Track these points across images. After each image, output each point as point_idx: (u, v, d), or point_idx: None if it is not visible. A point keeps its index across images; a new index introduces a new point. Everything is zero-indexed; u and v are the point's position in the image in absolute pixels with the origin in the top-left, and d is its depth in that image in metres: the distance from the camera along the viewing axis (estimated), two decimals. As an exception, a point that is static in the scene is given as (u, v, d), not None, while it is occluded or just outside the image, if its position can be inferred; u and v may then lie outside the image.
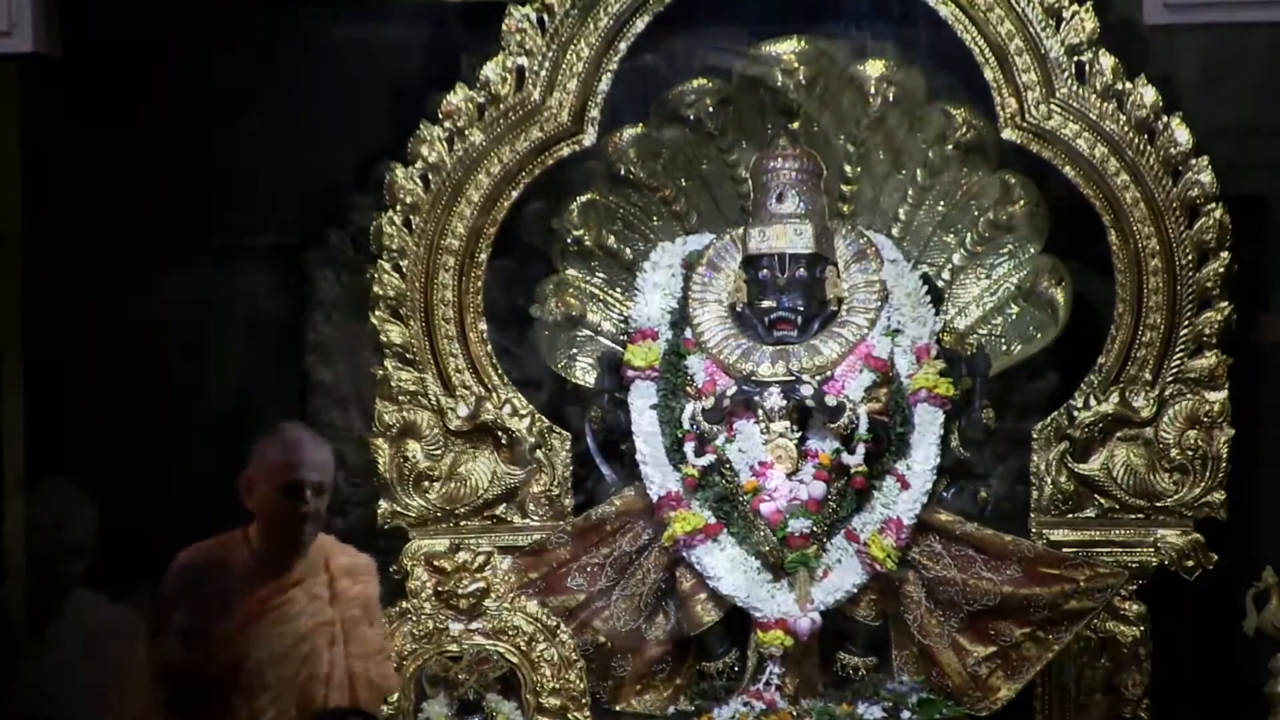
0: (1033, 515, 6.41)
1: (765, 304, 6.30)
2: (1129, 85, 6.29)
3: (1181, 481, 6.36)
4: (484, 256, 6.47)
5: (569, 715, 6.04)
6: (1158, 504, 6.38)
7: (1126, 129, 6.28)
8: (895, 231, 6.58)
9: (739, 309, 6.35)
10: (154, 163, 6.70)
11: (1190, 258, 6.30)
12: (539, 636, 6.05)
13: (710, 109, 6.58)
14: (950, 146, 6.53)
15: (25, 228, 6.46)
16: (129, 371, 6.65)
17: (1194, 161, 6.28)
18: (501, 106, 6.40)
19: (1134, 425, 6.38)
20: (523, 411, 6.47)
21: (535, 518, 6.47)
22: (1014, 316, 6.54)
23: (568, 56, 6.40)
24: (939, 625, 6.23)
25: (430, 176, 6.42)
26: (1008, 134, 6.35)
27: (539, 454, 6.45)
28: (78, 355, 6.63)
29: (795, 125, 6.56)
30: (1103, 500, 6.40)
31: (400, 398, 6.47)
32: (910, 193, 6.61)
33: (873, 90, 6.53)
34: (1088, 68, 6.29)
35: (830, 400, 6.18)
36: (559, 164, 6.48)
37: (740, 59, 6.58)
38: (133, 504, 6.34)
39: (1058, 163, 6.34)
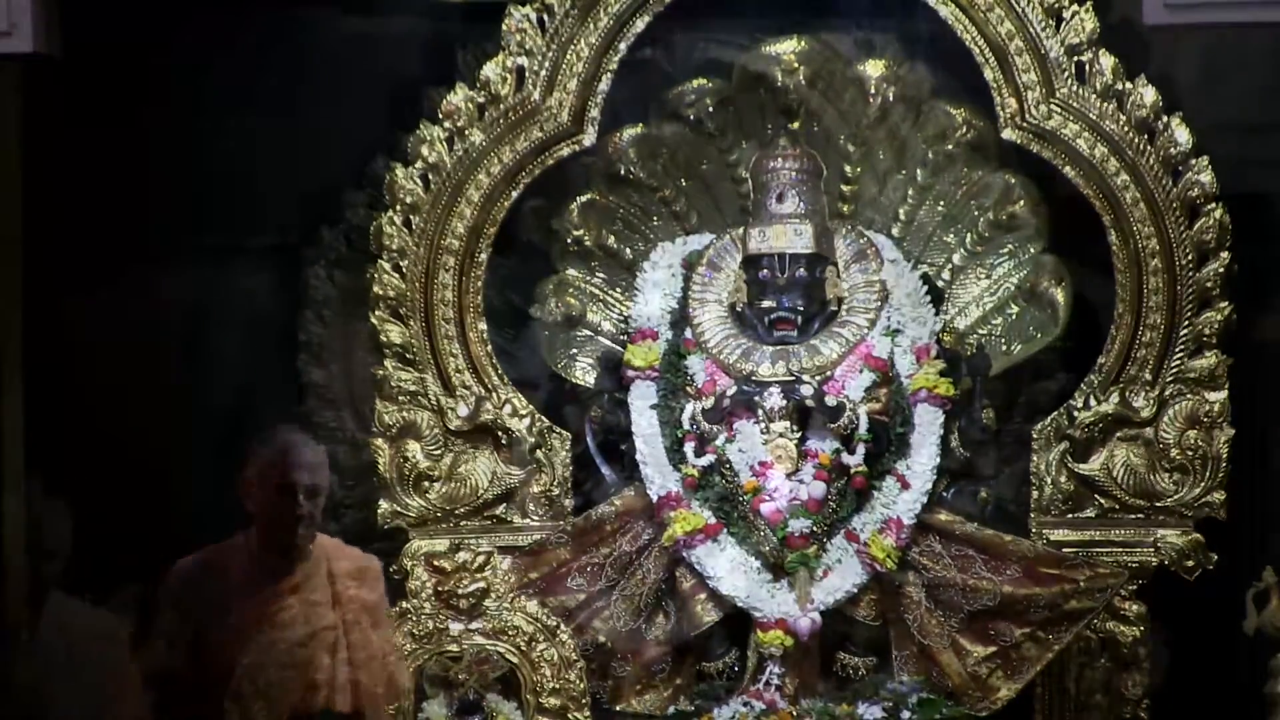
0: (1033, 515, 6.40)
1: (765, 304, 6.30)
2: (1129, 85, 6.28)
3: (1181, 481, 6.36)
4: (484, 256, 6.46)
5: (569, 715, 6.04)
6: (1158, 504, 6.37)
7: (1126, 129, 6.27)
8: (896, 231, 6.58)
9: (739, 309, 6.35)
10: (153, 163, 6.69)
11: (1190, 257, 6.30)
12: (539, 636, 6.05)
13: (710, 109, 6.58)
14: (951, 146, 6.53)
15: (25, 228, 6.45)
16: (129, 371, 6.64)
17: (1194, 161, 6.28)
18: (501, 106, 6.39)
19: (1134, 425, 6.37)
20: (522, 412, 6.46)
21: (535, 518, 6.46)
22: (1014, 316, 6.53)
23: (568, 56, 6.39)
24: (939, 625, 6.23)
25: (430, 176, 6.41)
26: (1008, 134, 6.35)
27: (539, 454, 6.44)
28: (77, 355, 6.62)
29: (795, 125, 6.56)
30: (1103, 500, 6.40)
31: (400, 398, 6.46)
32: (910, 192, 6.60)
33: (873, 90, 6.54)
34: (1088, 68, 6.28)
35: (830, 400, 6.18)
36: (559, 164, 6.47)
37: (740, 58, 6.58)
38: (132, 504, 6.35)
39: (1058, 162, 6.34)
